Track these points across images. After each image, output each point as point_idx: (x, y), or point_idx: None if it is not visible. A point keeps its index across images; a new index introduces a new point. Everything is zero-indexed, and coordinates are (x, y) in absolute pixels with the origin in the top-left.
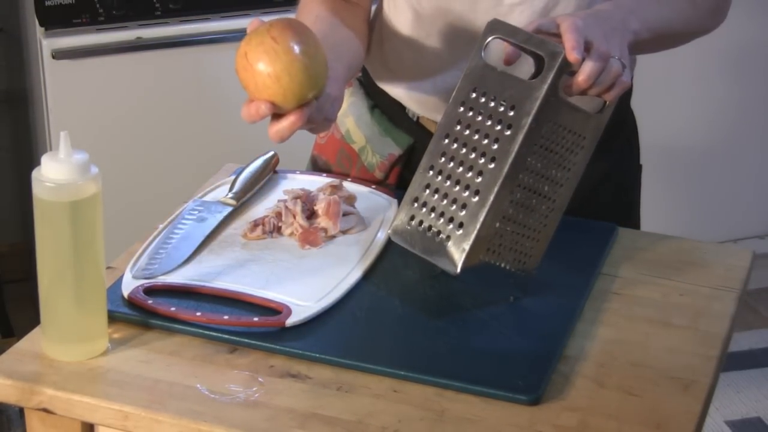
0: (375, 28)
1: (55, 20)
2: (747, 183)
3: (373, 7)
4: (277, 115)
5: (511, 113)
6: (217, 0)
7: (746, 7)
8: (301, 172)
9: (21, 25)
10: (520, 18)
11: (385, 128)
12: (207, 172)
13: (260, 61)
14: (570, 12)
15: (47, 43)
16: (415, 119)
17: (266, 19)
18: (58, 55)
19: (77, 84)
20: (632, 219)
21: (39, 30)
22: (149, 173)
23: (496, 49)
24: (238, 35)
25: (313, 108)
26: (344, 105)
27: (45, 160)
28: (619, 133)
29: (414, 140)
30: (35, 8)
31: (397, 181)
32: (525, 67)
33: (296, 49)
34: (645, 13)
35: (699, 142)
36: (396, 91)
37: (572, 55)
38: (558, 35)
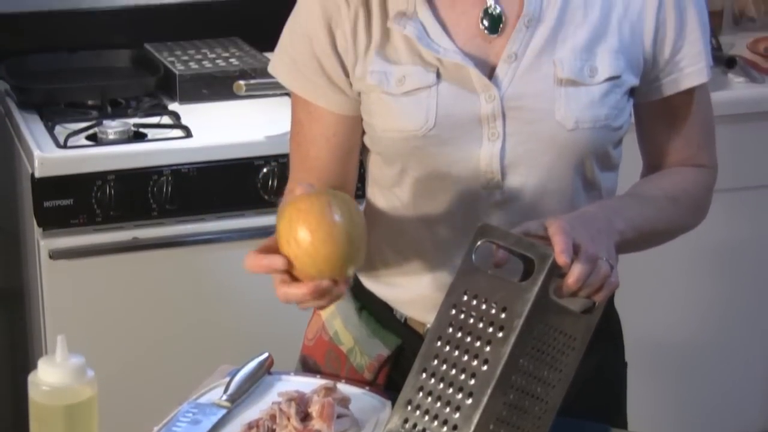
0: None
1: (53, 221)
2: (735, 381)
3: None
4: (292, 275)
5: (503, 315)
6: (212, 201)
7: (730, 205)
8: (296, 374)
9: (19, 225)
10: (504, 217)
11: (373, 329)
12: (202, 373)
13: (308, 232)
14: (554, 213)
15: (45, 243)
16: (402, 320)
17: (260, 219)
18: (56, 255)
19: (74, 284)
20: (620, 416)
21: (37, 230)
22: (144, 374)
23: (485, 249)
24: (233, 235)
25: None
26: (332, 307)
27: (41, 363)
28: (604, 331)
29: (402, 341)
30: (34, 209)
31: (385, 382)
32: (513, 264)
33: (343, 222)
34: (629, 214)
35: (685, 340)
36: (382, 292)
37: (562, 258)
38: (545, 238)
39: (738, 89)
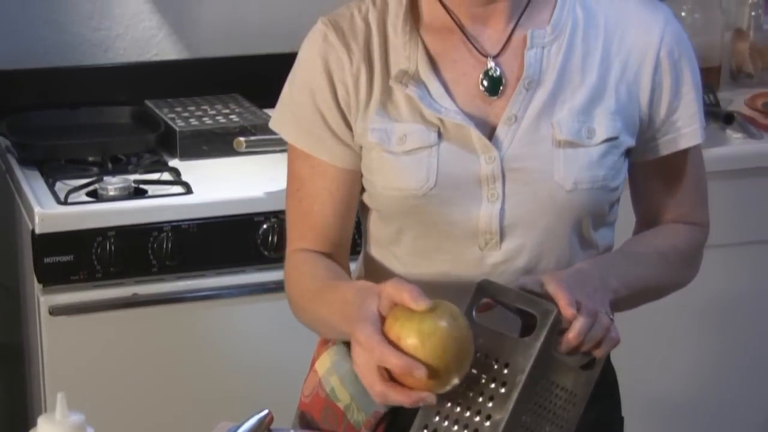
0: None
1: (53, 277)
2: None
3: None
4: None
5: (506, 371)
6: (212, 257)
7: (728, 260)
8: (294, 430)
9: (19, 281)
10: (501, 277)
11: None
12: (202, 429)
13: (418, 342)
14: (550, 270)
15: (45, 299)
16: None
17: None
18: (56, 311)
19: (73, 340)
20: None
21: (37, 286)
22: (144, 430)
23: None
24: (233, 292)
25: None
26: (328, 363)
27: (41, 421)
28: (602, 385)
29: None
30: (34, 265)
31: None
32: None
33: (454, 335)
34: (622, 271)
35: (682, 396)
36: None
37: (568, 311)
38: (540, 294)
39: (736, 145)
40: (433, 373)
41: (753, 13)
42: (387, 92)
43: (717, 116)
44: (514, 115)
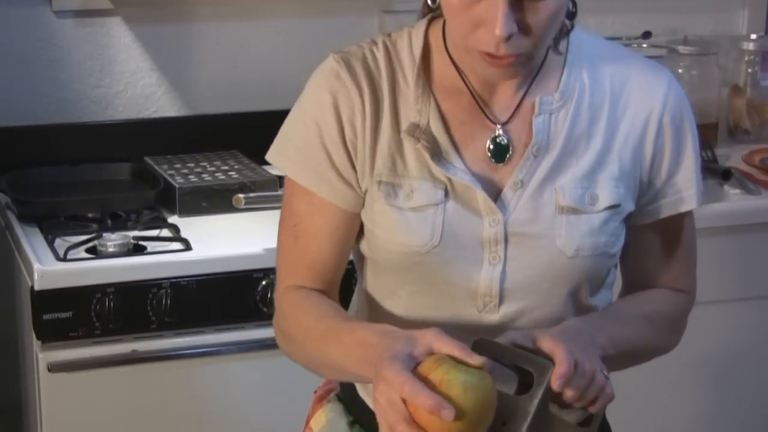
0: None
1: (51, 334)
2: None
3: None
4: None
5: (503, 429)
6: (211, 313)
7: (725, 316)
8: None
9: (18, 337)
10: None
11: None
12: None
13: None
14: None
15: (43, 356)
16: None
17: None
18: (54, 368)
19: (72, 396)
20: None
21: (36, 343)
22: None
23: None
24: (232, 348)
25: None
26: (323, 421)
27: None
28: None
29: None
30: (33, 322)
31: None
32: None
33: (494, 389)
34: (609, 331)
35: None
36: None
37: (567, 368)
38: (533, 350)
39: (734, 201)
40: (461, 420)
41: (750, 70)
42: (396, 144)
43: (715, 172)
44: (520, 180)
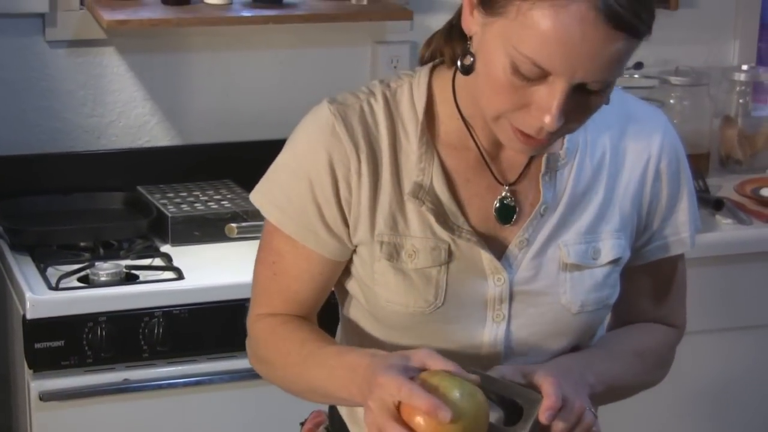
0: None
1: (43, 363)
2: None
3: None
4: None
5: None
6: (203, 342)
7: (719, 346)
8: None
9: (9, 366)
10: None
11: None
12: None
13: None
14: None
15: (35, 385)
16: None
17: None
18: (46, 397)
19: (64, 425)
20: None
21: (27, 372)
22: None
23: None
24: (224, 377)
25: None
26: None
27: None
28: None
29: None
30: (24, 351)
31: None
32: None
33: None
34: (599, 368)
35: None
36: None
37: (556, 403)
38: (523, 384)
39: (726, 231)
40: (456, 423)
41: (741, 101)
42: (398, 203)
43: (707, 202)
44: (526, 239)
